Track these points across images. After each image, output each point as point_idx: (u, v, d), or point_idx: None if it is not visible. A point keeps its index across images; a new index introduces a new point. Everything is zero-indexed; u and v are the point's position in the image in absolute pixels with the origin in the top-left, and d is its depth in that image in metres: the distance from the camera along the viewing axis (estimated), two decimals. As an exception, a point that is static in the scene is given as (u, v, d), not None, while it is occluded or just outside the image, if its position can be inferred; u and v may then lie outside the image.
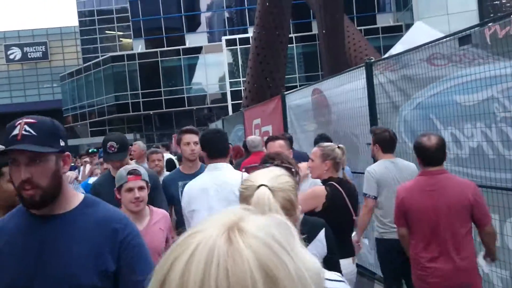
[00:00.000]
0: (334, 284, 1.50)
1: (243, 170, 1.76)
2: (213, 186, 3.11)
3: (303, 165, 3.48)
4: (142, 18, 45.11)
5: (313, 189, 3.35)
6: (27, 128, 1.59)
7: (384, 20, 40.00)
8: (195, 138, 4.01)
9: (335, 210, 3.18)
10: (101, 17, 53.91)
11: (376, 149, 4.13)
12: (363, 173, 4.38)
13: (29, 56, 59.68)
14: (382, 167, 4.04)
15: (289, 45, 21.02)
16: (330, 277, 1.52)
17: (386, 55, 5.66)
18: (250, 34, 27.80)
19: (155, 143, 29.36)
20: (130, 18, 46.00)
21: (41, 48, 59.88)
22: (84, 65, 47.65)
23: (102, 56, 46.61)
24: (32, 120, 1.62)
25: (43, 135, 1.61)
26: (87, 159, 8.91)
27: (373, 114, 4.98)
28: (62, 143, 1.69)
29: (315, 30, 31.14)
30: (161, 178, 4.40)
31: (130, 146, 7.38)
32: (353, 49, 23.93)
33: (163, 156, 6.19)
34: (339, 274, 1.60)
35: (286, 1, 18.73)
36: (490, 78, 3.37)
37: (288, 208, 1.44)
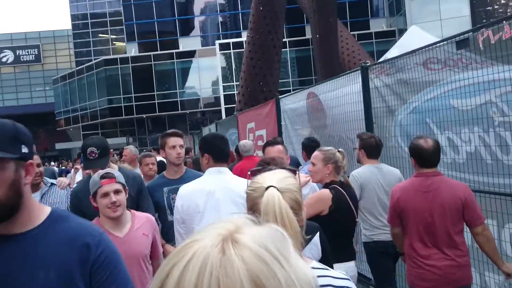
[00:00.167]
0: (341, 282, 1.54)
1: (249, 173, 1.76)
2: (220, 189, 3.08)
3: (301, 174, 3.45)
4: (135, 21, 45.03)
5: (319, 193, 3.32)
6: None
7: (377, 25, 40.18)
8: (180, 141, 3.89)
9: (341, 213, 3.21)
10: (94, 20, 53.75)
11: (361, 154, 4.25)
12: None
13: (22, 59, 59.36)
14: (367, 171, 4.13)
15: (282, 50, 21.03)
16: (337, 275, 1.56)
17: (382, 59, 5.63)
18: (243, 38, 27.81)
19: (148, 147, 29.26)
20: (123, 21, 45.90)
21: (34, 51, 59.60)
22: (77, 68, 47.46)
23: (95, 59, 46.44)
24: None
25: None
26: (78, 166, 8.71)
27: (369, 118, 4.94)
28: (24, 149, 1.45)
29: (308, 35, 31.21)
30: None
31: (112, 150, 7.29)
32: (346, 53, 23.99)
33: (156, 160, 6.11)
34: (343, 272, 1.65)
35: (279, 6, 18.75)
36: (488, 82, 3.34)
37: (295, 209, 1.47)
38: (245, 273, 0.58)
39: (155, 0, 44.87)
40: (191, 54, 42.71)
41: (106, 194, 2.78)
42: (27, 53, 59.62)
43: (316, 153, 3.49)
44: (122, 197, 2.82)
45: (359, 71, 5.09)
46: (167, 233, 3.70)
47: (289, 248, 0.65)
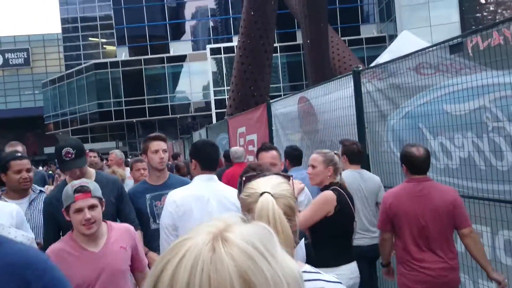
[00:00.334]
0: (334, 285, 1.56)
1: (243, 179, 1.75)
2: (213, 196, 3.06)
3: (295, 182, 3.40)
4: (126, 25, 44.88)
5: (324, 195, 3.29)
6: None
7: (367, 31, 40.40)
8: (163, 145, 3.73)
9: (344, 213, 3.26)
10: (84, 24, 53.52)
11: (343, 160, 4.27)
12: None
13: (11, 63, 58.93)
14: (349, 176, 4.12)
15: (273, 55, 21.02)
16: (329, 279, 1.58)
17: (374, 64, 5.60)
18: (234, 43, 27.76)
19: (138, 151, 29.07)
20: (114, 25, 45.72)
21: (23, 55, 59.20)
22: (67, 72, 47.16)
23: (85, 63, 46.18)
24: None
25: None
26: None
27: (361, 123, 4.89)
28: None
29: (299, 40, 31.30)
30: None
31: (88, 151, 7.13)
32: (337, 59, 24.06)
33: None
34: (335, 275, 1.66)
35: (271, 11, 18.75)
36: (482, 87, 3.30)
37: (289, 214, 1.50)
38: (234, 269, 0.63)
39: (146, 4, 44.76)
40: (182, 58, 42.62)
41: (80, 210, 2.56)
42: (16, 57, 59.20)
43: (315, 155, 3.51)
44: (98, 213, 2.61)
45: (351, 75, 5.05)
46: (150, 242, 3.55)
47: (275, 245, 0.70)
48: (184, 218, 2.96)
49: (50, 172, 22.17)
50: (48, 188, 4.04)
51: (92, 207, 2.58)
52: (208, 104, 39.90)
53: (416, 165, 3.32)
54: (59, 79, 47.35)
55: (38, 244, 3.02)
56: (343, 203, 3.25)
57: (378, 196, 4.34)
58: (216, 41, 42.91)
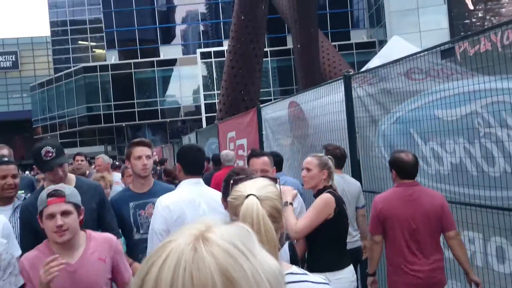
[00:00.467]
0: (321, 286, 1.57)
1: (231, 182, 1.78)
2: (203, 199, 3.07)
3: (288, 188, 3.38)
4: (116, 29, 44.68)
5: (324, 198, 3.28)
6: None
7: (357, 36, 40.58)
8: (147, 151, 3.53)
9: (343, 215, 3.30)
10: (74, 27, 53.24)
11: None
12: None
13: (-1, 65, 58.40)
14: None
15: (264, 59, 21.01)
16: (316, 280, 1.59)
17: (364, 69, 5.57)
18: (225, 47, 27.75)
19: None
20: (103, 29, 45.49)
21: (11, 58, 58.72)
22: (56, 75, 46.82)
23: (74, 66, 45.89)
24: None
25: None
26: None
27: (352, 128, 4.85)
28: None
29: (290, 45, 31.34)
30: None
31: (75, 155, 6.95)
32: (327, 64, 24.12)
33: None
34: (323, 277, 1.68)
35: (261, 15, 18.75)
36: (473, 92, 3.28)
37: (275, 216, 1.52)
38: (215, 267, 0.66)
39: (136, 8, 44.62)
40: (172, 62, 42.51)
41: (52, 216, 2.36)
42: (5, 60, 58.69)
43: (310, 158, 3.50)
44: (72, 220, 2.39)
45: (342, 80, 5.01)
46: (132, 252, 3.39)
47: (254, 244, 0.73)
48: (177, 222, 2.93)
49: (34, 175, 21.89)
50: None
51: (65, 213, 2.38)
52: (198, 108, 39.81)
53: (405, 170, 3.41)
54: (47, 82, 47.00)
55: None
56: (341, 206, 3.29)
57: (358, 201, 4.43)
58: (206, 45, 42.86)
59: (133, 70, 41.95)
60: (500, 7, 28.89)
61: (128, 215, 3.46)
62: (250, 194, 1.47)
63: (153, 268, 0.68)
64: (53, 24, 53.89)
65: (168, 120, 42.56)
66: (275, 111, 7.26)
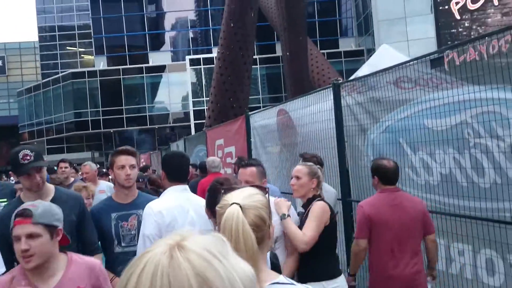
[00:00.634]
0: None
1: (222, 191, 1.81)
2: (191, 206, 3.07)
3: (282, 200, 3.32)
4: (104, 35, 44.45)
5: (320, 206, 3.27)
6: None
7: (346, 44, 40.78)
8: (131, 160, 3.35)
9: (335, 223, 3.34)
10: (62, 33, 52.91)
11: None
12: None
13: (-15, 70, 57.76)
14: None
15: (253, 66, 21.01)
16: None
17: (353, 77, 5.54)
18: (214, 54, 27.68)
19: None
20: (92, 34, 45.23)
21: (-2, 63, 58.14)
22: (43, 80, 46.42)
23: (62, 72, 45.53)
24: None
25: None
26: None
27: (340, 136, 4.81)
28: None
29: (279, 52, 31.36)
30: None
31: (59, 162, 6.77)
32: (316, 71, 24.18)
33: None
34: (309, 287, 1.68)
35: (250, 23, 18.76)
36: (463, 102, 3.25)
37: (259, 225, 1.54)
38: (191, 271, 0.70)
39: (125, 14, 44.45)
40: (161, 68, 42.36)
41: (18, 238, 2.12)
42: (-9, 64, 58.10)
43: (300, 167, 3.49)
44: (40, 244, 2.12)
45: (331, 88, 4.97)
46: (113, 266, 3.20)
47: (228, 250, 0.77)
48: (169, 228, 2.92)
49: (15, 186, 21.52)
50: None
51: (32, 236, 2.11)
52: (187, 115, 39.66)
53: (388, 176, 3.52)
54: (35, 88, 46.57)
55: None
56: (333, 214, 3.32)
57: (334, 208, 4.39)
58: (195, 52, 42.78)
59: (121, 76, 41.72)
60: (486, 17, 29.20)
61: (110, 226, 3.29)
62: (234, 203, 1.50)
63: (132, 277, 0.72)
64: (41, 29, 53.51)
65: (156, 126, 42.34)
66: (263, 119, 7.21)
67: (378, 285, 3.47)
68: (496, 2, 28.43)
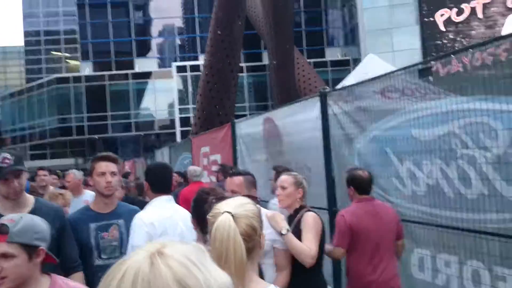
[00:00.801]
0: None
1: (214, 201, 1.87)
2: (179, 217, 3.07)
3: (276, 214, 3.20)
4: (91, 40, 44.18)
5: (312, 217, 3.23)
6: None
7: (332, 54, 41.07)
8: (112, 167, 3.16)
9: (325, 234, 3.34)
10: (48, 37, 52.52)
11: (275, 185, 4.27)
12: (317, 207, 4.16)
13: (-32, 74, 56.99)
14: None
15: (240, 74, 21.02)
16: None
17: (340, 86, 5.53)
18: (201, 61, 27.66)
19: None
20: (78, 40, 44.93)
21: (-18, 67, 57.43)
22: (27, 85, 45.92)
23: (47, 77, 45.10)
24: None
25: None
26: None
27: (327, 146, 4.78)
28: None
29: (265, 61, 31.47)
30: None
31: (37, 169, 6.52)
32: (302, 80, 24.29)
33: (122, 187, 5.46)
34: None
35: (237, 31, 18.78)
36: (451, 112, 3.24)
37: (250, 234, 1.55)
38: (171, 276, 0.72)
39: (112, 20, 44.27)
40: (147, 75, 42.20)
41: None
42: (-26, 68, 57.35)
43: (285, 177, 3.46)
44: (13, 265, 1.86)
45: (318, 97, 4.94)
46: (93, 281, 2.92)
47: (207, 259, 0.79)
48: (157, 236, 2.92)
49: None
50: None
51: (6, 256, 1.86)
52: (172, 122, 39.51)
53: (363, 186, 3.64)
54: (18, 92, 46.07)
55: None
56: (323, 224, 3.32)
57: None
58: (182, 59, 42.71)
59: (107, 82, 41.46)
60: (470, 29, 29.68)
61: (88, 238, 3.09)
62: (225, 212, 1.52)
63: (112, 284, 0.72)
64: (27, 34, 53.07)
65: (142, 133, 42.09)
66: (250, 127, 7.16)
67: None
68: (480, 15, 28.91)
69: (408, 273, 3.93)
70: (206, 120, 17.50)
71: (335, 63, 38.91)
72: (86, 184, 7.19)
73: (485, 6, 28.88)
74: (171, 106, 40.63)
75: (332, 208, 4.73)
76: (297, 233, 3.13)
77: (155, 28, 46.16)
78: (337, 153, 4.78)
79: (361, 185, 3.64)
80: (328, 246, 3.53)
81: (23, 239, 1.90)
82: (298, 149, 5.42)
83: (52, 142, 43.00)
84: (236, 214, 1.53)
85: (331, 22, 43.33)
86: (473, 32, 29.34)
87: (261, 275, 2.51)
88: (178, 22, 46.11)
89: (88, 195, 5.90)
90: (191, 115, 30.30)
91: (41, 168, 6.52)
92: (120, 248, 3.14)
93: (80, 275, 2.88)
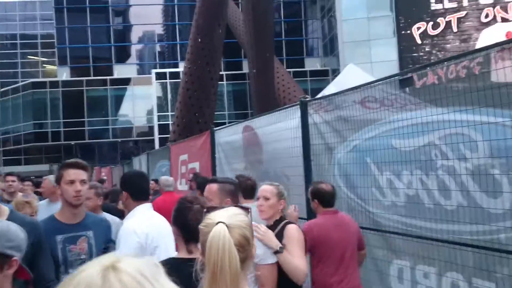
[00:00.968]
0: None
1: (205, 210, 1.78)
2: (164, 226, 3.07)
3: (268, 233, 3.07)
4: (68, 45, 43.57)
5: (295, 230, 3.18)
6: None
7: (312, 64, 41.36)
8: (82, 175, 2.94)
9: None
10: (24, 41, 51.65)
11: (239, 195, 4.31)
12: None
13: None
14: None
15: (219, 83, 20.97)
16: None
17: (320, 95, 5.52)
18: (180, 68, 27.51)
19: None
20: (56, 44, 44.28)
21: (-45, 69, 56.12)
22: (2, 89, 44.99)
23: (22, 81, 44.29)
24: None
25: None
26: None
27: (307, 155, 4.75)
28: None
29: (245, 69, 31.51)
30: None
31: (4, 175, 6.31)
32: (282, 89, 24.37)
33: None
34: None
35: (218, 39, 18.77)
36: (432, 123, 3.25)
37: (243, 244, 1.55)
38: None
39: (90, 25, 43.78)
40: (125, 81, 41.80)
41: None
42: None
43: (266, 186, 3.38)
44: None
45: (298, 106, 4.92)
46: None
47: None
48: (150, 249, 2.92)
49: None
50: None
51: None
52: (151, 129, 39.17)
53: (327, 199, 3.71)
54: (-8, 96, 45.11)
55: None
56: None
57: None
58: (162, 66, 42.45)
59: (85, 88, 40.92)
60: (445, 42, 30.26)
61: (55, 251, 2.85)
62: (220, 222, 1.52)
63: None
64: (2, 37, 52.10)
65: (119, 140, 41.58)
66: (229, 135, 7.11)
67: None
68: (455, 29, 29.51)
69: (387, 285, 3.91)
70: (185, 128, 17.39)
71: (314, 73, 39.19)
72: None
73: (459, 20, 29.50)
74: (150, 113, 40.30)
75: (311, 218, 4.69)
76: None
77: (135, 34, 45.80)
78: (317, 163, 4.76)
79: (324, 198, 3.70)
80: None
81: None
82: (277, 158, 5.38)
83: (26, 148, 42.16)
84: (230, 225, 1.53)
85: (310, 32, 43.69)
86: (448, 45, 29.92)
87: None
88: (158, 29, 45.87)
89: None
90: (170, 122, 30.10)
91: (10, 174, 6.30)
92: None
93: None
